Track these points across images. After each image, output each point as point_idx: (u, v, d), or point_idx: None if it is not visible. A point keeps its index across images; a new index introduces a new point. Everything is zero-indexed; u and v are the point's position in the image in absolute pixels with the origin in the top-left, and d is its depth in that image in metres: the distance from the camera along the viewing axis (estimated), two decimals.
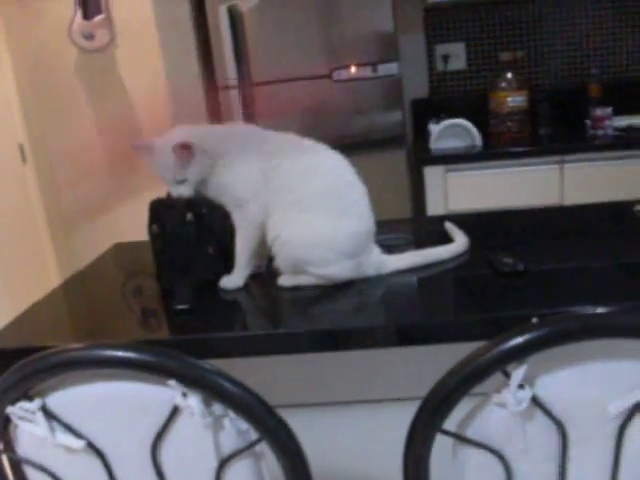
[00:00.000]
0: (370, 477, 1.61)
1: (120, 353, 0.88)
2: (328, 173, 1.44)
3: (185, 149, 1.39)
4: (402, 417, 1.52)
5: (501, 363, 0.85)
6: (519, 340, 0.85)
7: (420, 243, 1.53)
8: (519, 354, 0.85)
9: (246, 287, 1.46)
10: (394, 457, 1.58)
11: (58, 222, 3.77)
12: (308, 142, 1.48)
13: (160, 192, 1.56)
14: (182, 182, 1.42)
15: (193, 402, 0.88)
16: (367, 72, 2.89)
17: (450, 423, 0.93)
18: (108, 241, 1.99)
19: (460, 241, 1.53)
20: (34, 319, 1.46)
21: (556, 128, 3.23)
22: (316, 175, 1.42)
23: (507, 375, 0.87)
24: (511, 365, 0.87)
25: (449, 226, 1.60)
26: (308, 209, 1.40)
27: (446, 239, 1.55)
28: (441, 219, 1.69)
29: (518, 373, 0.85)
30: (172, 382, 0.88)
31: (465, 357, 0.87)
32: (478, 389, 0.90)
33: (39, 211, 3.70)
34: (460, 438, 0.92)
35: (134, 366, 0.88)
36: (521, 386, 0.87)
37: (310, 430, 1.05)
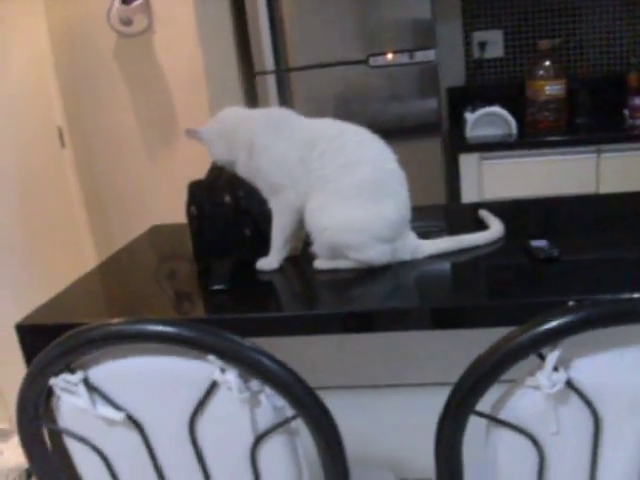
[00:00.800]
0: (402, 460, 1.62)
1: (161, 328, 0.90)
2: (370, 162, 1.44)
3: (191, 134, 1.55)
4: (435, 402, 1.53)
5: (536, 345, 0.86)
6: (554, 323, 0.85)
7: (454, 230, 1.53)
8: (554, 337, 0.85)
9: (282, 269, 1.48)
10: (426, 441, 1.59)
11: (95, 206, 3.81)
12: (348, 127, 1.48)
13: (197, 175, 1.58)
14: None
15: (231, 377, 0.90)
16: (404, 58, 2.88)
17: (482, 407, 0.94)
18: (144, 225, 2.02)
19: (495, 228, 1.52)
20: (72, 298, 1.49)
21: (593, 117, 3.20)
22: (358, 165, 1.42)
23: (542, 357, 0.87)
24: (546, 348, 0.87)
25: (484, 213, 1.60)
26: (349, 198, 1.41)
27: (481, 226, 1.55)
28: (476, 206, 1.69)
29: (553, 355, 0.86)
30: (211, 357, 0.90)
31: (500, 339, 0.87)
32: (508, 375, 0.91)
33: (77, 195, 3.75)
34: (494, 420, 0.93)
35: (174, 341, 0.90)
36: (555, 369, 0.88)
37: (343, 412, 1.07)
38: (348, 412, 0.99)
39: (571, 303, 0.87)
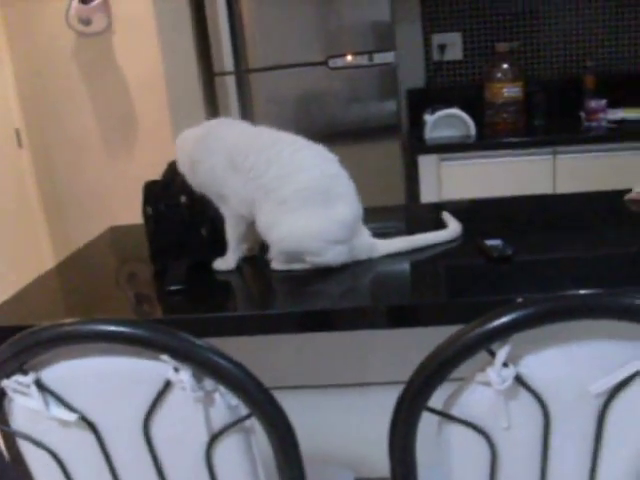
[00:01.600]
0: (360, 458, 1.63)
1: (113, 328, 0.90)
2: (310, 169, 1.43)
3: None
4: (392, 400, 1.55)
5: (486, 341, 0.87)
6: (504, 319, 0.86)
7: (412, 231, 1.55)
8: (503, 333, 0.87)
9: (239, 269, 1.49)
10: (383, 439, 1.61)
11: (53, 207, 3.77)
12: (283, 136, 1.48)
13: (156, 176, 1.58)
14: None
15: (185, 376, 0.90)
16: (363, 60, 2.90)
17: (434, 405, 0.95)
18: (103, 226, 2.01)
19: (452, 228, 1.54)
20: (28, 299, 1.47)
21: (550, 119, 3.26)
22: (297, 173, 1.42)
23: (492, 354, 0.88)
24: (495, 344, 0.89)
25: (446, 215, 1.61)
26: (295, 208, 1.41)
27: (439, 226, 1.56)
28: (434, 207, 1.71)
29: (503, 351, 0.87)
30: (165, 357, 0.90)
31: (451, 335, 0.89)
32: (460, 373, 0.92)
33: (34, 195, 3.71)
34: (445, 416, 0.94)
35: (127, 340, 0.90)
36: (505, 365, 0.89)
37: (300, 412, 1.08)
38: (306, 411, 1.00)
39: (519, 300, 0.89)
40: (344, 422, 1.63)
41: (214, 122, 1.57)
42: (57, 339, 0.92)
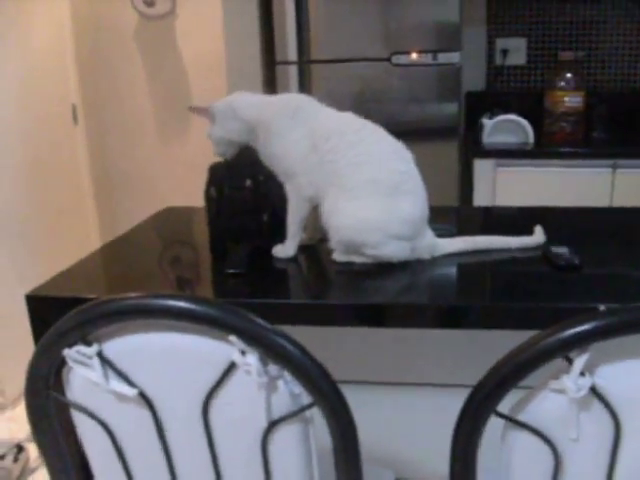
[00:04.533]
0: (402, 459, 1.61)
1: (183, 304, 0.88)
2: (384, 162, 1.42)
3: (201, 110, 1.51)
4: (440, 403, 1.52)
5: (565, 348, 0.84)
6: (586, 326, 0.83)
7: (474, 233, 1.52)
8: (584, 340, 0.84)
9: (299, 258, 1.47)
10: (427, 441, 1.58)
11: (103, 185, 3.81)
12: (367, 124, 1.46)
13: (208, 162, 1.57)
14: (210, 139, 1.51)
15: (251, 360, 0.89)
16: (427, 59, 2.86)
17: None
18: (150, 207, 2.00)
19: (535, 237, 1.51)
20: (83, 273, 1.47)
21: (611, 132, 3.19)
22: (370, 164, 1.40)
23: (569, 361, 0.85)
24: (573, 352, 0.86)
25: (537, 228, 1.55)
26: (361, 196, 1.39)
27: (492, 229, 1.53)
28: (490, 210, 1.67)
29: (581, 359, 0.84)
30: (233, 338, 0.88)
31: (529, 339, 0.86)
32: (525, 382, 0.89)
33: (86, 173, 3.74)
34: (513, 421, 0.92)
35: (196, 319, 0.88)
36: (581, 374, 0.86)
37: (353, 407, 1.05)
38: (352, 407, 0.97)
39: (602, 308, 0.86)
40: (388, 421, 1.61)
41: (295, 96, 1.54)
42: (124, 312, 0.91)
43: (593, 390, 0.87)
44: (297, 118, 1.45)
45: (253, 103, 1.50)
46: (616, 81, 3.39)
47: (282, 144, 1.45)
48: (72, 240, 3.50)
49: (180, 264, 1.53)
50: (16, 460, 2.53)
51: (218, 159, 1.55)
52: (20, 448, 2.58)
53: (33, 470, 2.60)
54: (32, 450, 2.61)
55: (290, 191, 1.47)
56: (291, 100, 1.51)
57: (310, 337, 1.42)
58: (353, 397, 0.94)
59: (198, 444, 0.99)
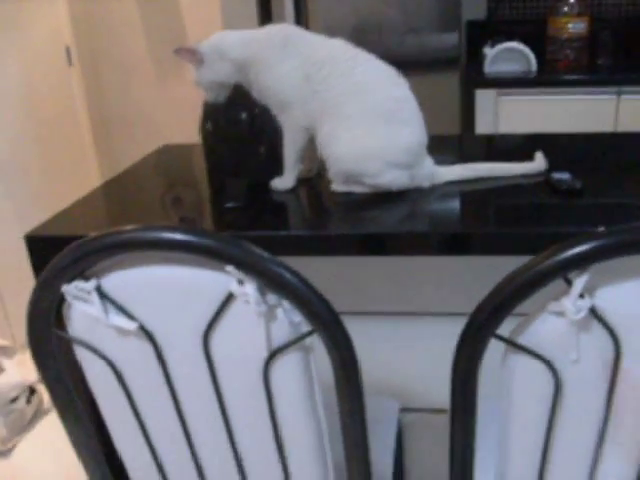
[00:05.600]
0: (406, 388, 1.62)
1: (179, 236, 0.88)
2: (380, 89, 1.40)
3: (187, 53, 1.43)
4: (441, 331, 1.53)
5: (564, 269, 0.84)
6: (584, 247, 0.82)
7: (474, 161, 1.50)
8: (584, 261, 0.83)
9: (297, 190, 1.46)
10: (430, 371, 1.59)
11: (101, 125, 3.78)
12: (359, 52, 1.44)
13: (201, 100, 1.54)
14: (200, 86, 1.46)
15: (249, 289, 0.88)
16: None
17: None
18: (148, 147, 1.98)
19: (535, 163, 1.49)
20: (81, 212, 1.47)
21: (615, 58, 3.13)
22: (366, 92, 1.39)
23: (569, 282, 0.85)
24: (573, 273, 0.85)
25: (538, 154, 1.53)
26: (358, 125, 1.38)
27: (494, 157, 1.51)
28: (499, 138, 1.65)
29: (581, 280, 0.84)
30: (230, 268, 0.87)
31: (529, 260, 0.85)
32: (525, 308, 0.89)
33: (83, 114, 3.71)
34: (513, 344, 0.92)
35: (193, 250, 0.88)
36: (581, 295, 0.86)
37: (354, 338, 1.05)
38: (353, 338, 0.97)
39: (601, 228, 0.85)
40: (391, 351, 1.62)
41: (282, 27, 1.49)
42: (120, 245, 0.90)
43: (592, 311, 0.87)
44: (287, 48, 1.43)
45: (240, 41, 1.46)
46: (620, 5, 3.31)
47: (274, 76, 1.42)
48: (71, 180, 3.49)
49: (179, 200, 1.52)
50: (29, 402, 2.57)
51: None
52: (32, 390, 2.61)
53: (46, 411, 2.64)
54: (44, 392, 2.65)
55: (285, 123, 1.45)
56: (279, 31, 1.48)
57: (309, 269, 1.42)
58: (353, 328, 0.94)
59: (200, 375, 1.00)
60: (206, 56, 1.45)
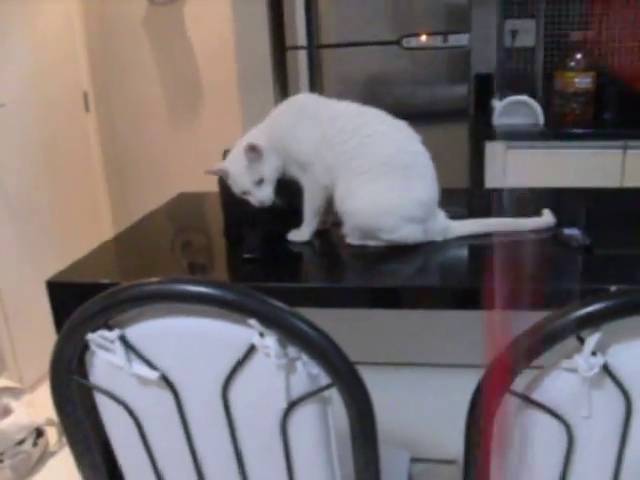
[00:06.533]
0: (417, 439, 1.63)
1: (202, 289, 0.90)
2: (392, 143, 1.44)
3: (253, 150, 1.44)
4: (453, 383, 1.54)
5: (578, 327, 0.86)
6: (596, 307, 0.85)
7: (488, 216, 1.53)
8: (596, 320, 0.85)
9: (313, 242, 1.49)
10: (441, 422, 1.60)
11: (115, 173, 3.83)
12: (370, 109, 1.49)
13: (220, 147, 1.58)
14: (260, 182, 1.46)
15: (270, 342, 0.91)
16: (437, 41, 2.86)
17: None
18: (162, 194, 2.01)
19: (544, 219, 1.52)
20: (101, 259, 1.50)
21: (622, 113, 3.18)
22: (380, 145, 1.43)
23: (581, 340, 0.87)
24: (585, 332, 0.87)
25: (545, 211, 1.56)
26: (374, 179, 1.41)
27: (504, 211, 1.54)
28: (509, 192, 1.68)
29: (593, 338, 0.86)
30: (252, 321, 0.90)
31: (542, 319, 0.87)
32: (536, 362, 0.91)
33: (98, 161, 3.76)
34: (528, 400, 0.93)
35: (216, 303, 0.90)
36: (593, 353, 0.88)
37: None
38: (372, 388, 0.99)
39: (613, 288, 0.87)
40: (403, 402, 1.63)
41: (296, 97, 1.56)
42: (147, 297, 0.93)
43: (605, 369, 0.89)
44: (303, 113, 1.49)
45: (268, 126, 1.52)
46: (626, 61, 3.37)
47: (294, 140, 1.47)
48: (86, 225, 3.53)
49: (196, 250, 1.55)
50: (35, 444, 2.57)
51: (229, 146, 1.56)
52: (39, 432, 2.62)
53: (52, 454, 2.64)
54: (51, 434, 2.65)
55: (306, 183, 1.49)
56: (294, 101, 1.54)
57: (325, 320, 1.44)
58: (368, 378, 0.96)
59: (219, 426, 1.01)
60: (265, 150, 1.48)
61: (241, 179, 1.46)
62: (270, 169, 1.47)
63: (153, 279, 0.94)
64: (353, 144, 1.42)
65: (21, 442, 2.53)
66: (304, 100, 1.54)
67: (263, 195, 1.46)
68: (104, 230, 3.60)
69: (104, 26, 3.59)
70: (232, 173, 1.47)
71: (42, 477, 2.53)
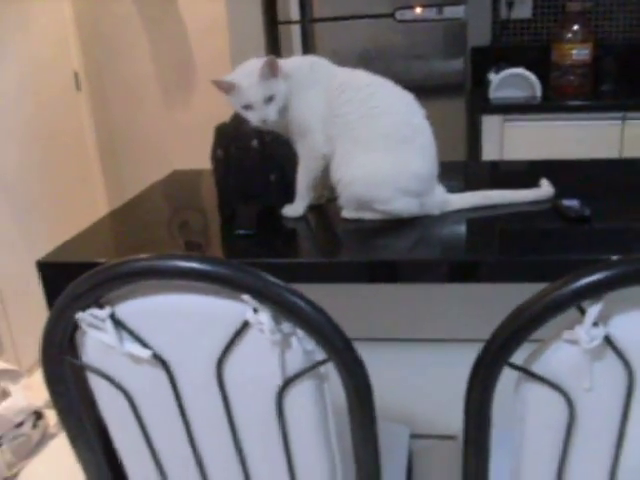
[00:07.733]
0: (416, 415, 1.62)
1: (194, 265, 0.88)
2: (396, 114, 1.42)
3: (272, 66, 1.39)
4: (452, 358, 1.53)
5: (578, 298, 0.84)
6: (597, 276, 0.83)
7: (483, 188, 1.51)
8: (597, 290, 0.83)
9: (307, 217, 1.47)
10: (441, 397, 1.59)
11: (108, 151, 3.80)
12: (378, 79, 1.46)
13: (213, 124, 1.55)
14: (269, 100, 1.40)
15: (264, 318, 0.89)
16: (432, 13, 2.83)
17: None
18: (156, 171, 1.99)
19: (542, 190, 1.50)
20: (93, 238, 1.48)
21: (619, 84, 3.15)
22: (383, 116, 1.40)
23: (582, 311, 0.85)
24: (586, 302, 0.85)
25: (543, 181, 1.55)
26: (372, 150, 1.39)
27: (501, 184, 1.52)
28: (498, 165, 1.66)
29: (594, 309, 0.84)
30: (246, 297, 0.88)
31: (542, 290, 0.86)
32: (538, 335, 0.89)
33: (91, 139, 3.73)
34: (528, 373, 0.92)
35: (208, 279, 0.88)
36: (595, 324, 0.86)
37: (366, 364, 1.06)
38: (365, 364, 0.98)
39: (614, 257, 0.85)
40: (402, 377, 1.62)
41: (307, 57, 1.53)
42: (137, 273, 0.91)
43: (606, 340, 0.87)
44: (314, 73, 1.46)
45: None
46: (624, 32, 3.34)
47: (299, 102, 1.44)
48: (80, 205, 3.51)
49: (190, 227, 1.53)
50: (35, 426, 2.57)
51: (222, 120, 1.53)
52: (39, 415, 2.61)
53: (52, 436, 2.63)
54: (51, 417, 2.65)
55: (303, 149, 1.47)
56: (305, 59, 1.51)
57: (321, 295, 1.42)
58: (365, 354, 0.94)
59: (214, 404, 1.00)
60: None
61: (250, 92, 1.40)
62: (282, 91, 1.41)
63: (144, 255, 0.91)
64: (358, 115, 1.40)
65: (20, 425, 2.52)
66: (314, 61, 1.49)
67: (268, 112, 1.40)
68: (99, 209, 3.58)
69: (94, 4, 3.54)
70: (242, 85, 1.40)
71: (42, 459, 2.53)
